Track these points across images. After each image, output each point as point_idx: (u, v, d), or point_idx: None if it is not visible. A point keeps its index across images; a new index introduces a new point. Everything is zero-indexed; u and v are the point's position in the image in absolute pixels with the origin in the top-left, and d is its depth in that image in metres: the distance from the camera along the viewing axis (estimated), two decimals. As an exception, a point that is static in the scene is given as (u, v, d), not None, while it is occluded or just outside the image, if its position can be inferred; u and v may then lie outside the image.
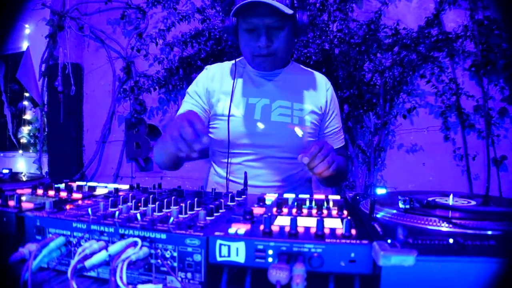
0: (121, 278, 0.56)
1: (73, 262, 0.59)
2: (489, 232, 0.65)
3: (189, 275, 0.63)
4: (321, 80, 1.65)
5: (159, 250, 0.64)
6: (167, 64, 3.57)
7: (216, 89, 1.57)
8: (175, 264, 0.64)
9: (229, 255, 0.60)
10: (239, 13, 1.38)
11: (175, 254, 0.64)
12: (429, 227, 0.69)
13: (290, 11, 1.33)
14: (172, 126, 1.03)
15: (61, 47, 3.92)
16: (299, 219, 0.67)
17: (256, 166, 1.52)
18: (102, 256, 0.62)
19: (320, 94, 1.59)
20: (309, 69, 1.71)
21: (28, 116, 4.44)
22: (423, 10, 3.13)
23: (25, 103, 4.44)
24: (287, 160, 1.52)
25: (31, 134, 4.41)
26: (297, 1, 1.42)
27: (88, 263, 0.60)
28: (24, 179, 1.41)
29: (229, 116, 1.49)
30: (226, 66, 1.66)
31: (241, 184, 1.46)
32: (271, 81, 1.57)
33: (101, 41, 4.01)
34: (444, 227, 0.67)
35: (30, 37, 4.30)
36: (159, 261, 0.64)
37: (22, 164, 4.44)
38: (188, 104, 1.59)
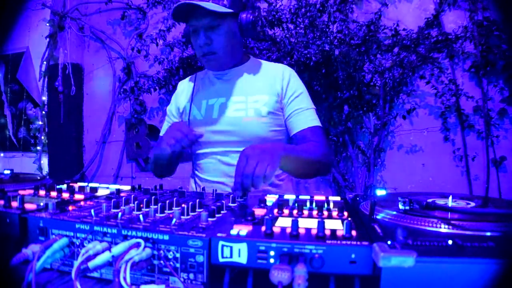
0: (124, 279, 0.57)
1: (76, 263, 0.60)
2: (488, 234, 0.66)
3: (191, 275, 0.64)
4: (278, 69, 1.67)
5: (161, 251, 0.65)
6: (167, 65, 3.57)
7: (183, 102, 1.74)
8: (178, 265, 0.64)
9: (231, 256, 0.61)
10: (184, 18, 1.52)
11: (178, 255, 0.64)
12: (428, 228, 0.69)
13: (221, 10, 1.43)
14: (167, 134, 1.41)
15: (61, 47, 3.93)
16: (300, 220, 0.67)
17: (225, 162, 1.59)
18: (105, 257, 0.62)
19: (275, 82, 1.61)
20: (270, 62, 1.76)
21: (28, 116, 4.44)
22: (422, 11, 3.14)
23: (25, 103, 4.44)
24: None
25: (31, 134, 4.41)
26: (234, 2, 1.51)
27: (91, 264, 0.61)
28: (26, 179, 1.41)
29: (189, 118, 1.65)
30: (193, 76, 1.80)
31: (213, 182, 1.60)
32: (227, 80, 1.66)
33: (101, 42, 4.02)
34: (443, 229, 0.68)
35: (31, 38, 4.31)
36: (161, 262, 0.65)
37: (22, 164, 4.44)
38: (167, 124, 1.80)
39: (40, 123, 4.28)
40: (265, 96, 1.58)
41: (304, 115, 1.58)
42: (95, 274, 0.71)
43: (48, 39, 3.98)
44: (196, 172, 1.71)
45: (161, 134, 1.78)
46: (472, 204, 0.90)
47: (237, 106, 1.58)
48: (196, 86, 1.71)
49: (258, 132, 1.54)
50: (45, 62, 4.03)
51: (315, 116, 1.61)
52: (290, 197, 1.02)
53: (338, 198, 1.03)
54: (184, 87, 1.79)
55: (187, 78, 1.83)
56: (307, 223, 0.71)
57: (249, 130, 1.55)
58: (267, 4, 3.26)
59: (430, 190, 2.99)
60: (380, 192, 1.05)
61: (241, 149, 1.52)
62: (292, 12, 3.20)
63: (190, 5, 1.41)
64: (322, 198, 0.99)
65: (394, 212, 0.79)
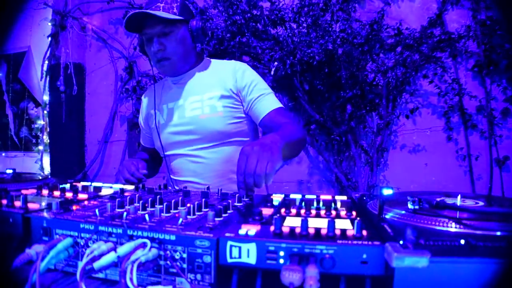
0: (131, 279, 0.55)
1: (81, 264, 0.59)
2: (498, 233, 0.65)
3: (198, 276, 0.62)
4: (229, 65, 1.73)
5: (168, 252, 0.64)
6: (169, 64, 3.55)
7: (146, 111, 1.86)
8: (185, 266, 0.63)
9: (240, 257, 0.60)
10: (137, 29, 1.59)
11: (185, 255, 0.63)
12: (439, 228, 0.68)
13: (172, 17, 1.52)
14: (121, 173, 1.55)
15: (63, 47, 3.93)
16: (308, 220, 0.66)
17: (192, 161, 1.66)
18: (110, 257, 0.61)
19: (227, 78, 1.66)
20: (222, 60, 1.82)
21: (30, 116, 4.43)
22: (425, 10, 3.12)
23: (27, 103, 4.44)
24: (216, 148, 1.64)
25: (33, 134, 4.40)
26: (184, 10, 1.62)
27: (96, 264, 0.60)
28: (28, 179, 1.40)
29: (156, 125, 1.74)
30: (153, 85, 1.87)
31: (184, 182, 1.67)
32: (183, 83, 1.72)
33: (103, 41, 4.01)
34: (455, 228, 0.67)
35: (32, 37, 4.30)
36: (168, 262, 0.64)
37: (24, 164, 4.43)
38: (141, 132, 1.97)
39: (42, 122, 4.28)
40: (219, 92, 1.64)
41: (266, 100, 1.63)
42: (100, 275, 0.70)
43: (50, 39, 3.97)
44: (170, 174, 1.77)
45: (140, 141, 2.00)
46: (481, 203, 0.89)
47: (194, 106, 1.65)
48: (157, 94, 1.79)
49: (216, 127, 1.61)
50: (46, 62, 4.03)
51: (276, 99, 1.66)
52: (297, 196, 1.01)
53: (344, 198, 1.01)
54: (147, 98, 1.90)
55: (148, 90, 1.94)
56: (316, 223, 0.70)
57: (206, 126, 1.61)
58: (270, 3, 3.25)
59: (433, 189, 2.98)
60: (387, 192, 1.04)
61: (203, 145, 1.63)
62: (294, 11, 3.18)
63: (143, 14, 1.50)
64: (329, 197, 0.98)
65: (403, 212, 0.78)
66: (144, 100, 1.91)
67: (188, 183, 1.64)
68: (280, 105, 1.64)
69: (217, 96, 1.63)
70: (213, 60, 1.80)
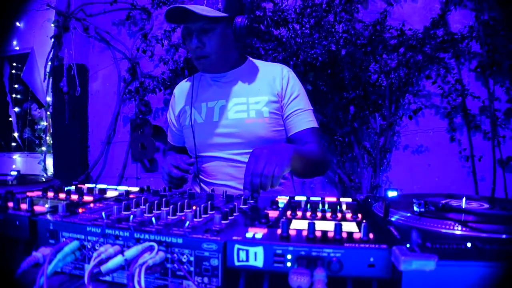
0: (139, 283, 0.56)
1: (89, 267, 0.59)
2: (503, 236, 0.64)
3: (205, 279, 0.62)
4: (277, 69, 1.67)
5: (175, 255, 0.64)
6: (172, 65, 3.57)
7: (180, 107, 1.74)
8: (192, 269, 0.63)
9: (247, 260, 0.60)
10: (178, 21, 1.50)
11: (192, 258, 0.63)
12: (445, 231, 0.68)
13: (213, 14, 1.42)
14: (163, 169, 1.51)
15: (66, 48, 3.94)
16: (315, 222, 0.66)
17: (230, 165, 1.59)
18: (118, 260, 0.61)
19: (275, 82, 1.61)
20: (267, 62, 1.76)
21: (33, 117, 4.44)
22: (428, 11, 3.12)
23: (30, 104, 4.45)
24: None
25: (36, 135, 4.41)
26: (230, 5, 1.49)
27: (104, 267, 0.60)
28: (33, 181, 1.40)
29: (191, 122, 1.64)
30: (190, 79, 1.79)
31: (219, 185, 1.60)
32: (226, 82, 1.65)
33: (106, 42, 4.02)
34: (462, 231, 0.67)
35: (35, 38, 4.31)
36: (175, 265, 0.64)
37: (27, 165, 4.44)
38: (171, 130, 1.86)
39: (45, 123, 4.29)
40: (266, 97, 1.59)
41: (303, 116, 1.60)
42: (107, 278, 0.70)
43: (53, 40, 3.98)
44: (201, 176, 1.70)
45: (168, 139, 1.89)
46: (486, 205, 0.89)
47: (238, 108, 1.59)
48: (194, 89, 1.71)
49: (260, 133, 1.55)
50: (50, 63, 4.04)
51: (313, 117, 1.63)
52: (302, 198, 1.01)
53: (349, 200, 1.01)
54: (180, 92, 1.79)
55: (183, 82, 1.84)
56: (322, 226, 0.70)
57: (251, 132, 1.55)
58: (273, 4, 3.25)
59: (436, 190, 2.97)
60: (392, 194, 1.04)
61: (244, 150, 1.55)
62: (297, 12, 3.18)
63: (182, 9, 1.41)
64: (334, 199, 0.98)
65: (409, 214, 0.78)
66: (177, 95, 1.80)
67: (224, 187, 1.58)
68: (315, 125, 1.61)
69: (264, 101, 1.58)
70: (257, 61, 1.74)
